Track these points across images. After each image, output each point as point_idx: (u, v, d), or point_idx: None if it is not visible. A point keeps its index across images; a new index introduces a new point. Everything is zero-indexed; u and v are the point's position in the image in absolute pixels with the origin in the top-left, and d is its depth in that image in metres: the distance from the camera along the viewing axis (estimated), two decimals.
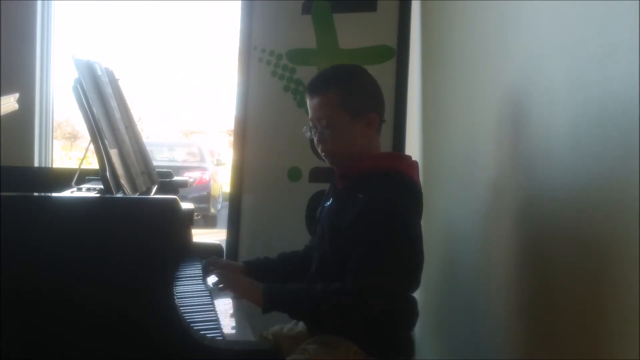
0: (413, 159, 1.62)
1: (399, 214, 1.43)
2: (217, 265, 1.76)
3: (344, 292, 1.40)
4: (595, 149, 1.07)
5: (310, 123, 1.57)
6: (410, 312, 1.56)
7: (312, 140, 1.61)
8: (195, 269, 1.81)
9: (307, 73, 2.36)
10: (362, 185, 1.49)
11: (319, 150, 1.58)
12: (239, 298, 1.46)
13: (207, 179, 9.18)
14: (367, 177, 1.51)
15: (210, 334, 1.28)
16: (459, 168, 1.94)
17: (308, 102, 1.57)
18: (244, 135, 2.44)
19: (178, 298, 1.42)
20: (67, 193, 1.44)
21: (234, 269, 1.75)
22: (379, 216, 1.42)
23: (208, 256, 1.88)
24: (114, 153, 1.37)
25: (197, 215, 7.06)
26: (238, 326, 1.37)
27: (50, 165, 2.92)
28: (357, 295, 1.38)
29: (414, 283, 1.53)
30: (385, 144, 2.32)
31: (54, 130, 3.10)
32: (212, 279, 1.52)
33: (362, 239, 1.40)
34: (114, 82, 1.73)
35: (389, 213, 1.42)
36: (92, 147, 1.35)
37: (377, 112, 1.55)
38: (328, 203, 1.63)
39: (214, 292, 1.55)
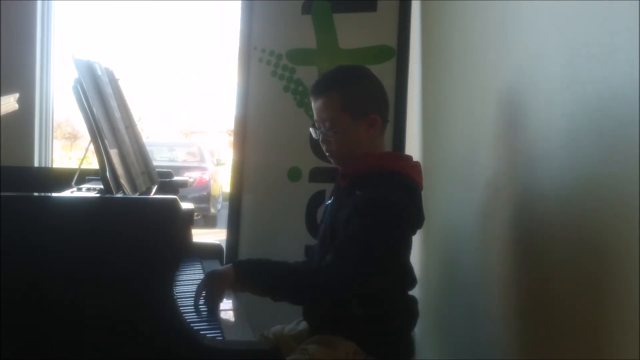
0: (416, 160, 1.63)
1: (395, 210, 1.44)
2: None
3: (320, 269, 1.43)
4: (594, 149, 1.07)
5: (316, 124, 1.58)
6: (410, 312, 1.57)
7: (312, 140, 1.62)
8: (196, 269, 1.81)
9: (307, 73, 2.37)
10: (362, 184, 1.49)
11: (324, 150, 1.60)
12: (221, 294, 1.45)
13: (207, 179, 9.18)
14: (368, 176, 1.51)
15: (210, 334, 1.28)
16: (459, 168, 1.94)
17: (312, 103, 1.58)
18: (244, 135, 2.44)
19: (178, 298, 1.42)
20: (67, 193, 1.44)
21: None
22: (371, 205, 1.43)
23: (208, 256, 1.89)
24: (114, 153, 1.37)
25: (197, 215, 7.06)
26: (238, 326, 1.37)
27: (50, 165, 2.92)
28: (335, 273, 1.39)
29: (408, 280, 1.54)
30: (385, 143, 2.33)
31: (54, 130, 3.09)
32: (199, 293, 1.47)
33: (351, 224, 1.41)
34: (114, 82, 1.73)
35: (384, 208, 1.43)
36: (92, 147, 1.35)
37: (380, 113, 1.56)
38: (329, 202, 1.64)
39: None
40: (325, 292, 1.42)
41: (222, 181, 10.10)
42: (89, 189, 1.51)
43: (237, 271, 1.45)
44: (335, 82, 1.56)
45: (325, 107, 1.54)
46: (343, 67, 1.70)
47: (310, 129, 1.62)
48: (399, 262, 1.49)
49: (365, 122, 1.53)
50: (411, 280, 1.56)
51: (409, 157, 1.65)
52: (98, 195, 1.37)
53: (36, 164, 2.74)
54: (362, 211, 1.42)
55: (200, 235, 2.62)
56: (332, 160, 1.62)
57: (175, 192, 2.01)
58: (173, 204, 1.23)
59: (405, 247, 1.49)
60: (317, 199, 2.35)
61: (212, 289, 1.45)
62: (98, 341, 1.19)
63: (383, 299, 1.50)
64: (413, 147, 2.46)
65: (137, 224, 1.23)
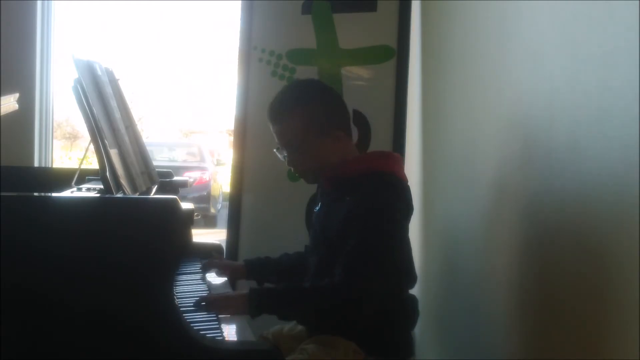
0: (396, 154, 1.64)
1: (386, 212, 1.44)
2: (216, 265, 1.77)
3: (334, 288, 1.39)
4: (595, 148, 1.07)
5: (278, 146, 1.58)
6: (410, 311, 1.57)
7: None
8: (196, 269, 1.81)
9: (307, 73, 2.36)
10: (349, 188, 1.49)
11: (294, 172, 1.60)
12: (227, 314, 1.43)
13: (207, 179, 9.18)
14: (352, 179, 1.51)
15: (210, 334, 1.28)
16: (459, 168, 1.94)
17: (271, 127, 1.57)
18: (244, 135, 2.44)
19: (178, 298, 1.42)
20: (67, 193, 1.44)
21: (233, 270, 1.76)
22: (366, 214, 1.43)
23: (208, 256, 1.89)
24: (114, 153, 1.37)
25: (197, 215, 7.05)
26: (238, 326, 1.37)
27: (50, 165, 2.92)
28: (348, 290, 1.38)
29: (409, 278, 1.54)
30: (385, 144, 2.33)
31: (54, 130, 3.09)
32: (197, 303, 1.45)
33: (352, 237, 1.41)
34: (114, 82, 1.73)
35: (375, 212, 1.43)
36: (92, 147, 1.35)
37: (341, 128, 1.55)
38: (317, 208, 1.64)
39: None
40: (343, 311, 1.41)
41: (222, 181, 10.10)
42: (89, 189, 1.51)
43: (251, 305, 1.41)
44: (291, 103, 1.54)
45: (285, 131, 1.54)
46: (294, 85, 1.71)
47: (275, 151, 1.61)
48: (402, 262, 1.49)
49: (329, 138, 1.53)
50: (411, 279, 1.56)
51: (390, 153, 1.66)
52: (98, 195, 1.37)
53: (36, 164, 2.74)
54: (358, 220, 1.42)
55: (200, 235, 2.61)
56: (304, 179, 1.62)
57: (175, 192, 2.01)
58: (173, 204, 1.23)
59: (403, 246, 1.50)
60: (316, 199, 2.35)
61: (213, 311, 1.43)
62: (98, 341, 1.19)
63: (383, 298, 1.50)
64: (413, 147, 2.46)
65: (137, 224, 1.23)
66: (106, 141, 1.33)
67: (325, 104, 1.56)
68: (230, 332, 1.33)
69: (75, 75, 1.34)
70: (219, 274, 1.75)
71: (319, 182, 1.62)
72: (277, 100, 1.58)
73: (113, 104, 1.59)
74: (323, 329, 1.50)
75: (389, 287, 1.44)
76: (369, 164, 1.55)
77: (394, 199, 1.47)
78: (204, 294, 1.57)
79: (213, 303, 1.43)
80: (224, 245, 2.13)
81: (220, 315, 1.42)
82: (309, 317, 1.48)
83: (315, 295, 1.42)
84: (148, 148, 1.94)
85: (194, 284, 1.68)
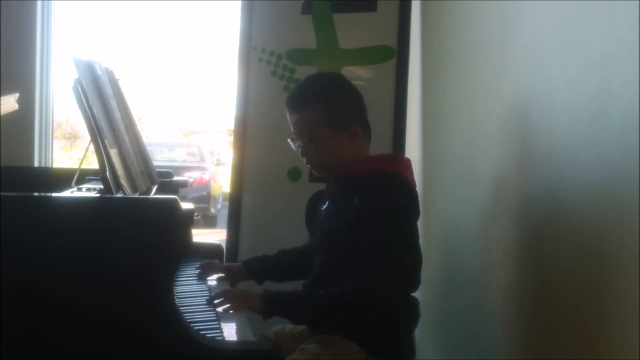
0: (407, 158, 1.63)
1: (396, 215, 1.44)
2: (215, 267, 1.77)
3: (347, 296, 1.40)
4: (595, 148, 1.07)
5: (293, 135, 1.57)
6: (412, 313, 1.57)
7: None
8: (195, 269, 1.81)
9: (307, 73, 2.35)
10: (358, 189, 1.49)
11: (305, 163, 1.58)
12: (238, 310, 1.44)
13: (207, 179, 9.18)
14: (362, 179, 1.51)
15: (210, 334, 1.27)
16: (459, 168, 1.94)
17: (288, 116, 1.56)
18: (244, 135, 2.44)
19: (178, 298, 1.42)
20: (67, 193, 1.44)
21: (233, 272, 1.76)
22: (377, 219, 1.42)
23: (208, 256, 1.89)
24: (114, 153, 1.37)
25: (197, 215, 7.06)
26: (238, 326, 1.37)
27: (50, 165, 2.92)
28: (361, 298, 1.38)
29: (415, 282, 1.54)
30: (385, 144, 2.33)
31: (54, 130, 3.09)
32: (213, 298, 1.47)
33: (362, 242, 1.40)
34: (114, 82, 1.73)
35: (387, 215, 1.43)
36: (92, 147, 1.35)
37: (359, 122, 1.54)
38: (325, 206, 1.63)
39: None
40: (359, 317, 1.41)
41: (222, 181, 10.10)
42: (89, 189, 1.51)
43: (264, 304, 1.42)
44: (312, 95, 1.53)
45: (303, 122, 1.52)
46: (317, 77, 1.69)
47: (289, 141, 1.60)
48: (412, 261, 1.49)
49: (346, 134, 1.52)
50: (416, 282, 1.56)
51: (400, 156, 1.65)
52: (98, 195, 1.37)
53: (36, 164, 2.74)
54: (368, 222, 1.41)
55: (200, 235, 2.62)
56: (314, 172, 1.61)
57: (175, 192, 2.01)
58: (173, 204, 1.23)
59: (412, 247, 1.49)
60: (317, 199, 2.34)
61: (231, 304, 1.43)
62: (98, 341, 1.19)
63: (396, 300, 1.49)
64: (413, 147, 2.46)
65: (137, 224, 1.23)
66: (106, 141, 1.33)
67: (345, 98, 1.55)
68: (230, 332, 1.33)
69: (75, 75, 1.33)
70: (220, 279, 1.74)
71: (329, 177, 1.61)
72: (298, 89, 1.59)
73: (113, 104, 1.59)
74: (330, 332, 1.50)
75: (401, 288, 1.44)
76: (379, 165, 1.55)
77: (402, 199, 1.47)
78: (205, 294, 1.57)
79: (232, 297, 1.44)
80: (224, 245, 2.13)
81: (233, 310, 1.43)
82: (323, 323, 1.48)
83: (330, 303, 1.42)
84: (148, 148, 1.93)
85: (194, 284, 1.67)
